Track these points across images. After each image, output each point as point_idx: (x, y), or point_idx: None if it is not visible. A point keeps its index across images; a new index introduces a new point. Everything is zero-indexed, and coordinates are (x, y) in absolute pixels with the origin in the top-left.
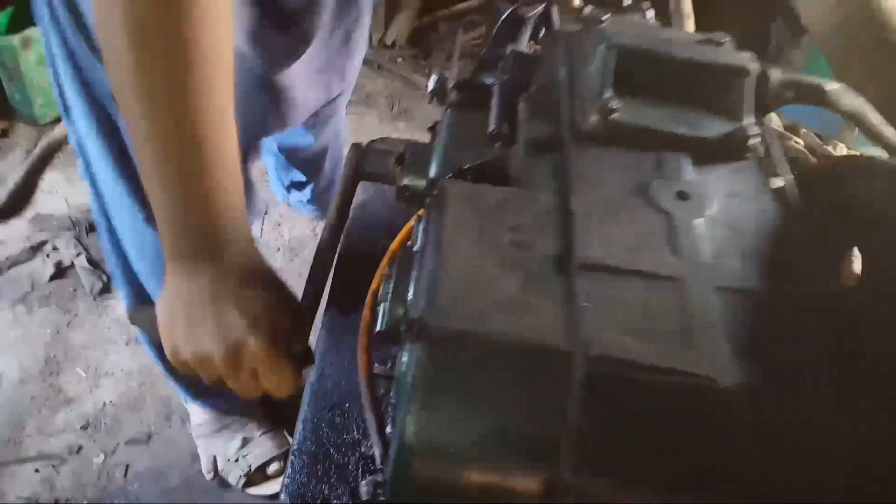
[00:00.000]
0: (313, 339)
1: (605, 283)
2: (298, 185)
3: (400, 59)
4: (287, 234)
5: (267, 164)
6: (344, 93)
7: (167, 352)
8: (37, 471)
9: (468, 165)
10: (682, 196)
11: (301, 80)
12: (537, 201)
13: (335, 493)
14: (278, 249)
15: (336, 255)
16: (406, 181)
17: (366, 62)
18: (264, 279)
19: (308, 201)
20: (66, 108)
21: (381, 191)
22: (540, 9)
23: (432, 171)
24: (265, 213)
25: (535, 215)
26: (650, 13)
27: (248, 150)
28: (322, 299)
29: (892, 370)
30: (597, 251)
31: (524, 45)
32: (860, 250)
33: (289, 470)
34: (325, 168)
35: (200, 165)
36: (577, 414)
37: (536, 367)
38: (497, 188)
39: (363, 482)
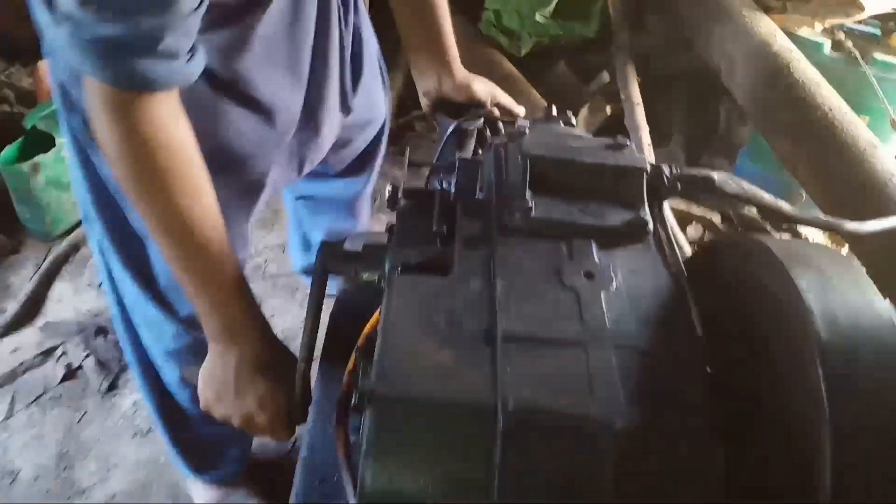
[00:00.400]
0: None
1: (524, 351)
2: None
3: None
4: (280, 326)
5: (292, 239)
6: (368, 181)
7: (203, 407)
8: None
9: (414, 261)
10: (589, 275)
11: (276, 167)
12: (468, 287)
13: None
14: None
15: (316, 338)
16: (365, 276)
17: None
18: (276, 363)
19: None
20: (86, 216)
21: None
22: (480, 122)
23: (386, 267)
24: (259, 306)
25: (466, 299)
26: (573, 120)
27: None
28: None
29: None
30: (517, 325)
31: (470, 152)
32: (725, 316)
33: None
34: None
35: (217, 287)
36: (502, 456)
37: (467, 420)
38: (435, 278)
39: None
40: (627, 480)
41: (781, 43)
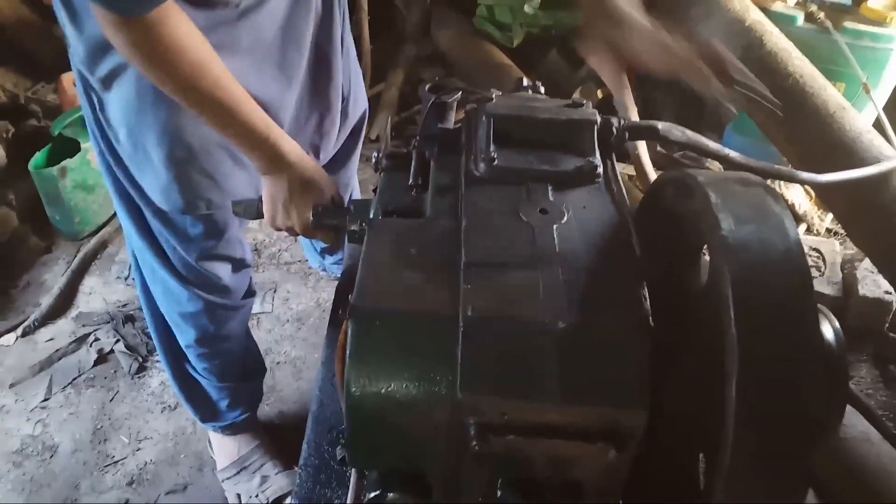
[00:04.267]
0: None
1: (484, 273)
2: (329, 251)
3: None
4: (294, 308)
5: (303, 240)
6: (350, 163)
7: (269, 221)
8: None
9: (392, 208)
10: (543, 212)
11: None
12: (438, 225)
13: (336, 494)
14: (287, 321)
15: None
16: (353, 227)
17: None
18: (318, 179)
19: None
20: (119, 212)
21: None
22: (459, 95)
23: (370, 216)
24: (274, 290)
25: (435, 234)
26: (542, 90)
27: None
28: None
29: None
30: (479, 252)
31: (451, 123)
32: (662, 239)
33: (297, 481)
34: None
35: (254, 133)
36: (463, 355)
37: (433, 328)
38: (409, 220)
39: (338, 449)
40: (571, 372)
41: (754, 17)
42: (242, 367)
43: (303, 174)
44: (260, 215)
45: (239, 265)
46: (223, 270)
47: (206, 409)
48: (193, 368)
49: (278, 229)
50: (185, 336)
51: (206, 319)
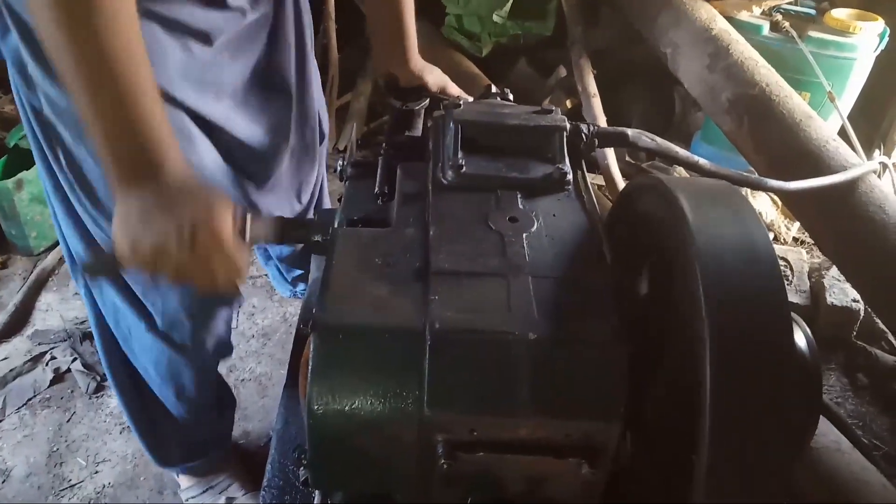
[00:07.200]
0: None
1: (452, 282)
2: (302, 279)
3: None
4: (260, 323)
5: (269, 270)
6: (315, 197)
7: (126, 251)
8: None
9: (357, 217)
10: (513, 220)
11: (273, 196)
12: (405, 234)
13: None
14: (253, 336)
15: None
16: (316, 237)
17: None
18: (200, 188)
19: None
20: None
21: None
22: (426, 102)
23: (334, 225)
24: (239, 305)
25: (402, 244)
26: (510, 97)
27: None
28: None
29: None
30: (446, 262)
31: (418, 131)
32: (633, 246)
33: (261, 502)
34: None
35: (130, 111)
36: (430, 370)
37: (399, 341)
38: (374, 229)
39: (301, 470)
40: (542, 385)
41: (720, 26)
42: (214, 405)
43: (183, 176)
44: (117, 268)
45: (223, 319)
46: (207, 321)
47: (173, 454)
48: (157, 408)
49: (148, 270)
50: (147, 374)
51: (174, 365)
